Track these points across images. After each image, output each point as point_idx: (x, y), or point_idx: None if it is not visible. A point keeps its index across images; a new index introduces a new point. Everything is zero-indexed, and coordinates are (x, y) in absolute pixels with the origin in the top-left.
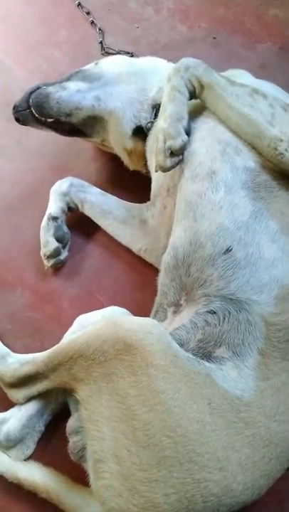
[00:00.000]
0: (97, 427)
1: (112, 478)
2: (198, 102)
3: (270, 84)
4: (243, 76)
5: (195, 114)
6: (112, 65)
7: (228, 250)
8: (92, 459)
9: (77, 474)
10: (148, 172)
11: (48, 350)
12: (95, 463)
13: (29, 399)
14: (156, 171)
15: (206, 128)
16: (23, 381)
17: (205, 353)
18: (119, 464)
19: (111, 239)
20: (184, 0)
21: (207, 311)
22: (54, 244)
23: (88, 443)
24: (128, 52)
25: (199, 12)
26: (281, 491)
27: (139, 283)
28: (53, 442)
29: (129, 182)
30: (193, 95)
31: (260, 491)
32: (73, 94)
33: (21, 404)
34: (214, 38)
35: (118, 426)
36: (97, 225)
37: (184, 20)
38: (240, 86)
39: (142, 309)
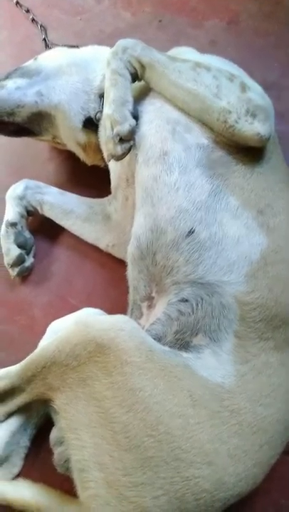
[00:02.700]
0: (76, 435)
1: (98, 487)
2: (143, 84)
3: (216, 57)
4: (187, 53)
5: (141, 96)
6: (51, 58)
7: (190, 232)
8: (76, 468)
9: (70, 486)
10: (106, 165)
11: (21, 362)
12: (79, 472)
13: (9, 415)
14: (109, 161)
15: (153, 109)
16: (0, 398)
17: (183, 343)
18: (102, 471)
19: (77, 239)
20: None
21: (179, 300)
22: (16, 251)
23: (71, 453)
24: (73, 46)
25: None
26: (284, 477)
27: (111, 281)
28: (41, 456)
29: (90, 178)
30: (135, 77)
31: (256, 480)
32: (12, 92)
33: (1, 421)
34: (160, 21)
35: (98, 431)
36: (61, 226)
37: (127, 6)
38: (181, 61)
39: (118, 307)
